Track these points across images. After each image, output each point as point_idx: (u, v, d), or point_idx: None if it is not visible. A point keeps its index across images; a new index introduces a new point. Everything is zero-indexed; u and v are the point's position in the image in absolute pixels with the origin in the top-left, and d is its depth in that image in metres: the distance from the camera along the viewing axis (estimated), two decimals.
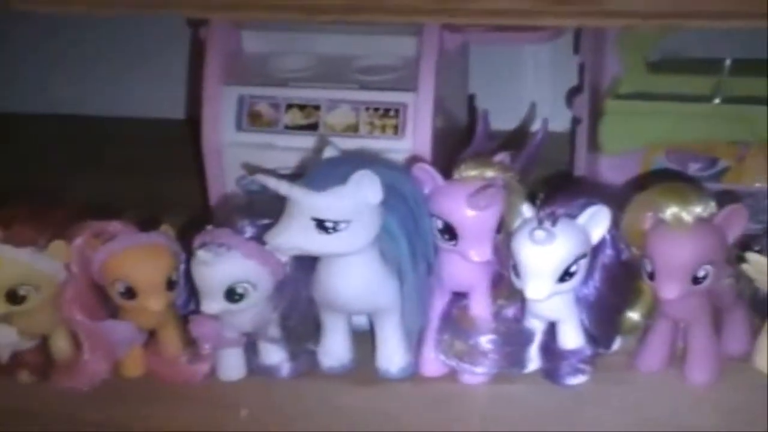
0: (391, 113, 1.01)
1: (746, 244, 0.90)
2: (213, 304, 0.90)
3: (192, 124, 1.06)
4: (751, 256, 0.89)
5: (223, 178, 1.04)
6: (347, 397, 0.94)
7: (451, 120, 1.09)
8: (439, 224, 0.89)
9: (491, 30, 1.06)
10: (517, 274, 0.87)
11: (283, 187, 0.85)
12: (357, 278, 0.90)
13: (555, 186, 0.90)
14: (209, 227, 0.92)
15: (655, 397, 0.91)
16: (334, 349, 0.96)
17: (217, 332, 0.94)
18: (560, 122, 1.17)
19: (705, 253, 0.86)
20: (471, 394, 0.94)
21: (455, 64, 1.10)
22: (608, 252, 0.89)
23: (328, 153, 0.91)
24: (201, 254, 0.89)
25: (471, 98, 1.21)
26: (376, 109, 1.01)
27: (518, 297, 0.91)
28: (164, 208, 1.07)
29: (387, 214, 0.87)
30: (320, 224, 0.85)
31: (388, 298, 0.91)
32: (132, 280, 0.92)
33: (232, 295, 0.90)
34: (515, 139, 0.95)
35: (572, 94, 1.17)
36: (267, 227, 0.88)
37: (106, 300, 0.95)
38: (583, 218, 0.86)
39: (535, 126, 1.13)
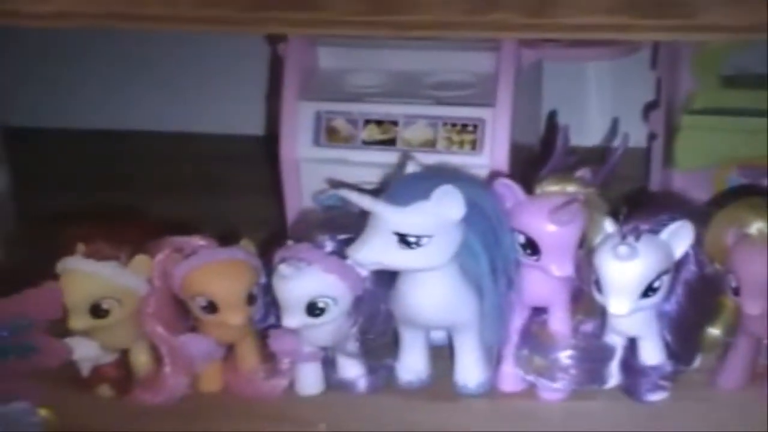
0: (469, 128, 1.01)
1: None
2: (294, 318, 0.91)
3: (270, 140, 1.06)
4: None
5: (300, 193, 1.05)
6: (424, 412, 0.94)
7: (525, 136, 1.09)
8: (522, 239, 0.89)
9: (567, 46, 1.07)
10: (600, 290, 0.87)
11: (366, 202, 0.86)
12: (437, 293, 0.90)
13: (637, 201, 0.90)
14: (289, 242, 0.93)
15: (735, 416, 0.91)
16: (412, 364, 0.96)
17: (297, 347, 0.94)
18: (636, 138, 1.17)
19: None
20: (549, 411, 0.94)
21: (530, 80, 1.10)
22: (691, 268, 0.89)
23: (410, 168, 0.92)
24: (282, 269, 0.89)
25: (552, 114, 1.22)
26: (454, 125, 1.01)
27: (597, 312, 0.91)
28: (243, 223, 1.07)
29: (468, 229, 0.87)
30: (402, 239, 0.85)
31: (468, 313, 0.91)
32: (213, 294, 0.92)
33: (312, 309, 0.90)
34: (595, 155, 0.94)
35: (648, 109, 1.17)
36: (346, 242, 0.89)
37: (186, 315, 0.96)
38: (666, 234, 0.86)
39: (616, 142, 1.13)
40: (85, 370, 0.97)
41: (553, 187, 0.88)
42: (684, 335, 0.92)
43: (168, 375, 0.95)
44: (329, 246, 0.91)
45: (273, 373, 0.97)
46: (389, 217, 0.85)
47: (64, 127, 1.39)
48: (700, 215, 0.89)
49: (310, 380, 0.97)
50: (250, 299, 0.94)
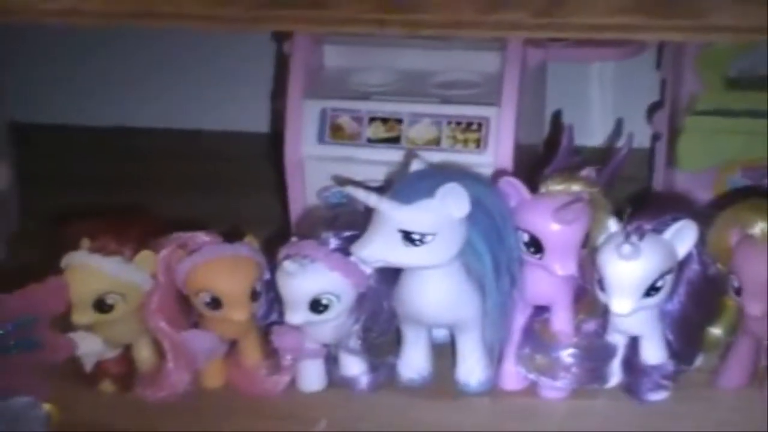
0: (474, 127, 1.01)
1: None
2: (297, 315, 0.91)
3: (275, 137, 1.07)
4: None
5: (304, 191, 1.05)
6: (426, 410, 0.95)
7: (529, 135, 1.10)
8: (525, 237, 0.89)
9: (572, 46, 1.07)
10: (603, 289, 0.87)
11: (371, 199, 0.86)
12: (440, 291, 0.90)
13: (640, 201, 0.90)
14: (294, 239, 0.93)
15: (736, 415, 0.91)
16: (414, 361, 0.96)
17: (299, 343, 0.94)
18: (639, 139, 1.17)
19: None
20: (551, 409, 0.94)
21: (535, 79, 1.10)
22: (694, 267, 0.89)
23: (415, 166, 0.92)
24: (287, 265, 0.89)
25: (557, 114, 1.22)
26: (459, 123, 1.02)
27: (599, 311, 0.91)
28: (247, 220, 1.07)
29: (472, 227, 0.88)
30: (407, 236, 0.86)
31: (470, 311, 0.92)
32: (217, 290, 0.93)
33: (316, 306, 0.91)
34: (599, 155, 0.95)
35: (653, 109, 1.17)
36: (350, 239, 0.89)
37: (189, 310, 0.96)
38: (669, 233, 0.86)
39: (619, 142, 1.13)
40: (88, 365, 0.97)
41: (557, 186, 0.89)
42: (686, 335, 0.92)
43: (171, 371, 0.95)
44: (333, 243, 0.91)
45: (275, 370, 0.97)
46: (394, 214, 0.86)
47: (70, 123, 1.39)
48: (704, 215, 0.89)
49: (312, 377, 0.97)
50: (254, 295, 0.94)
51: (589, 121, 1.27)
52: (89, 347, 0.96)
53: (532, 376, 0.94)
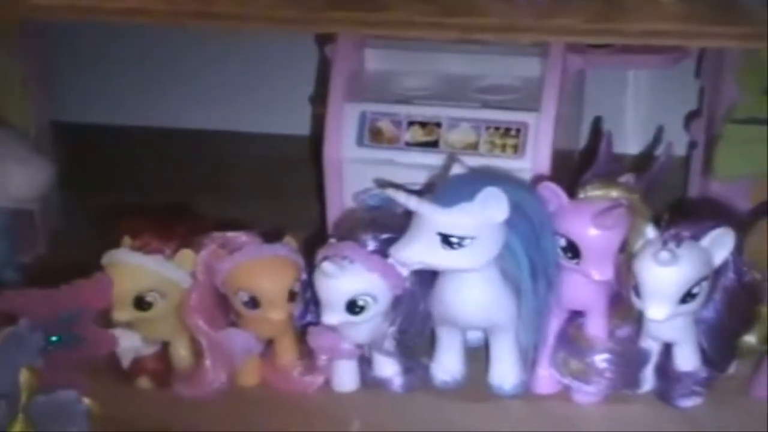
0: (512, 132, 1.02)
1: None
2: (334, 315, 0.92)
3: (315, 140, 1.07)
4: None
5: (343, 193, 1.05)
6: (459, 412, 0.95)
7: (567, 141, 1.10)
8: (563, 242, 0.90)
9: (614, 53, 1.07)
10: (639, 295, 0.87)
11: (412, 202, 0.87)
12: (476, 294, 0.91)
13: (677, 208, 0.90)
14: (332, 240, 0.94)
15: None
16: (448, 364, 0.97)
17: (335, 343, 0.95)
18: (676, 146, 1.17)
19: None
20: (584, 414, 0.94)
21: (575, 86, 1.11)
22: (730, 275, 0.89)
23: (455, 170, 0.92)
24: (325, 266, 0.90)
25: (597, 120, 1.22)
26: (497, 128, 1.02)
27: (634, 317, 0.92)
28: (286, 221, 1.08)
29: (510, 232, 0.88)
30: (445, 239, 0.86)
31: (506, 315, 0.92)
32: (256, 290, 0.94)
33: (353, 307, 0.91)
34: (635, 162, 0.95)
35: (690, 118, 1.18)
36: (388, 241, 0.90)
37: (227, 309, 0.97)
38: (706, 241, 0.87)
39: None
40: (126, 361, 0.98)
41: (596, 192, 0.89)
42: (720, 342, 0.92)
43: (208, 368, 0.96)
44: (371, 245, 0.92)
45: (310, 370, 0.98)
46: (434, 217, 0.86)
47: (114, 124, 1.40)
48: (741, 223, 0.90)
49: (346, 377, 0.98)
50: (292, 296, 0.95)
51: (625, 128, 1.27)
52: (127, 343, 0.97)
53: (565, 380, 0.94)
